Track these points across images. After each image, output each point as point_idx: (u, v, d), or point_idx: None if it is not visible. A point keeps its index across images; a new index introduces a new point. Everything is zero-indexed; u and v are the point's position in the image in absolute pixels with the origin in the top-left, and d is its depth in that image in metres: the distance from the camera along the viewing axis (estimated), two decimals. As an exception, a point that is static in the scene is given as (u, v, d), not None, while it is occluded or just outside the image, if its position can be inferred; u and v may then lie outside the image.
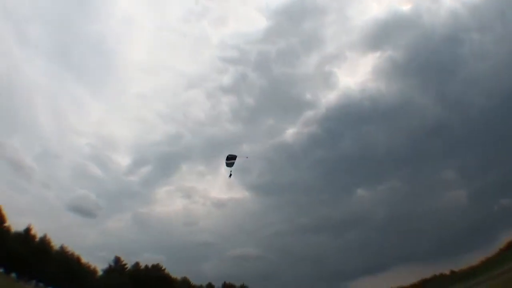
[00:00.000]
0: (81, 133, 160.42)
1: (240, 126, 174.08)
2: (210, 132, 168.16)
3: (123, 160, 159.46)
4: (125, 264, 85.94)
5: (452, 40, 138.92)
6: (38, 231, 79.68)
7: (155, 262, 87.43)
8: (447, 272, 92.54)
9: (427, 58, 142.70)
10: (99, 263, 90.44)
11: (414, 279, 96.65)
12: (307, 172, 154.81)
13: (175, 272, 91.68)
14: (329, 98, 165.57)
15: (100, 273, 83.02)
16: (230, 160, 25.62)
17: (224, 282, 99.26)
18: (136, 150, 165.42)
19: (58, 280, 74.32)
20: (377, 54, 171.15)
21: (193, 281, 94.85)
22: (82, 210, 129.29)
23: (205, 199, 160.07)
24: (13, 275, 69.00)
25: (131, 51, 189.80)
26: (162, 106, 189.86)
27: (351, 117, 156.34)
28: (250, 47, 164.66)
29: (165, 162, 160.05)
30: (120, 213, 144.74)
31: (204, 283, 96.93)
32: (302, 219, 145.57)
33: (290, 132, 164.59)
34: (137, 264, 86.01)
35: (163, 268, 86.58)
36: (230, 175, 23.97)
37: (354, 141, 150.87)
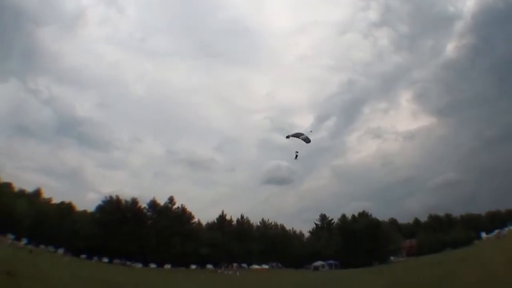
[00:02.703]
0: (255, 111, 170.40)
1: (404, 55, 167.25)
2: (379, 69, 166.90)
3: (306, 120, 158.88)
4: (331, 220, 79.63)
5: None
6: (236, 214, 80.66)
7: (361, 210, 77.95)
8: None
9: None
10: (305, 226, 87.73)
11: None
12: (479, 83, 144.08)
13: (382, 215, 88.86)
14: (467, 5, 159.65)
15: (307, 235, 78.00)
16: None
17: (430, 215, 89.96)
18: (315, 108, 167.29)
19: (264, 255, 72.19)
20: None
21: (400, 220, 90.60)
22: (277, 180, 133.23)
23: (395, 135, 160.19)
24: (209, 266, 67.58)
25: (270, 21, 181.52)
26: (325, 59, 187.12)
27: (494, 19, 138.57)
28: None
29: (347, 110, 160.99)
30: (316, 172, 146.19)
31: (411, 220, 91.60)
32: (489, 132, 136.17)
33: (450, 48, 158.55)
34: (343, 216, 78.54)
35: (369, 214, 75.36)
36: (296, 156, 18.87)
37: (506, 41, 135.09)
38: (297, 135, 18.81)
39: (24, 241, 65.02)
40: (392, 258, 70.68)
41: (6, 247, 42.38)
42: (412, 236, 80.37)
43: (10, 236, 61.27)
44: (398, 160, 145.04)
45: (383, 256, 70.49)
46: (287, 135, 19.05)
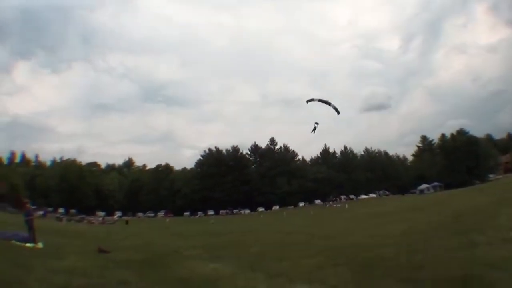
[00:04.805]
0: (341, 41, 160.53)
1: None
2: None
3: (392, 43, 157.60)
4: (431, 140, 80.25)
5: None
6: (339, 146, 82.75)
7: (458, 128, 77.42)
8: None
9: None
10: (407, 150, 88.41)
11: None
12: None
13: (478, 131, 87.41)
14: None
15: (410, 159, 79.36)
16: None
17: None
18: (399, 30, 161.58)
19: (370, 184, 73.18)
20: None
21: (495, 136, 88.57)
22: (375, 106, 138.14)
23: (478, 49, 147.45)
24: (317, 201, 68.69)
25: None
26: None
27: None
28: None
29: (428, 28, 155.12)
30: (410, 94, 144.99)
31: (504, 135, 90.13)
32: None
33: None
34: (442, 136, 78.81)
35: (467, 132, 76.00)
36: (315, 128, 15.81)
37: None
38: (325, 102, 15.35)
39: (118, 214, 67.50)
40: (490, 176, 69.90)
41: (96, 225, 42.50)
42: (506, 151, 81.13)
43: (101, 213, 63.02)
44: (486, 74, 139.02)
45: (482, 173, 71.34)
46: (308, 99, 15.55)
